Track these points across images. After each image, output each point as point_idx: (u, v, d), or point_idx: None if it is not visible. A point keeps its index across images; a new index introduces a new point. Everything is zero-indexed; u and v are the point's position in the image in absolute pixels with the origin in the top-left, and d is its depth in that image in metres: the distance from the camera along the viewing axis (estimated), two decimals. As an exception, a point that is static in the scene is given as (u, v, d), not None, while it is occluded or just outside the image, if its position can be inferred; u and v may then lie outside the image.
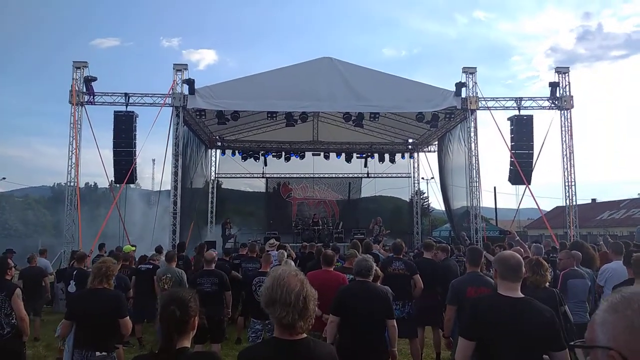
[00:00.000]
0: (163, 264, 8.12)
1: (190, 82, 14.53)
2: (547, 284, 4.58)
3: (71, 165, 14.56)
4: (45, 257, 11.65)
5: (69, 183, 14.71)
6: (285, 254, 8.88)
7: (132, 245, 12.77)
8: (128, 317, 4.58)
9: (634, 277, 4.78)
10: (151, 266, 8.79)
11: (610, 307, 1.14)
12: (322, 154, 21.59)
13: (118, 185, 15.30)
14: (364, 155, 22.03)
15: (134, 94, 15.03)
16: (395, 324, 4.57)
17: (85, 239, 14.02)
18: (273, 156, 21.54)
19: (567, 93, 15.72)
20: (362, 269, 4.66)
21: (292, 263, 7.26)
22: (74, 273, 8.11)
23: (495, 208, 36.17)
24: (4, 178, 42.57)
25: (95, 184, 58.93)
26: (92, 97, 14.79)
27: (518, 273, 2.98)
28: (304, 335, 2.17)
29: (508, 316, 2.77)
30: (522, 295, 2.94)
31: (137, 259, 10.13)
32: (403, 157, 22.47)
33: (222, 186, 23.42)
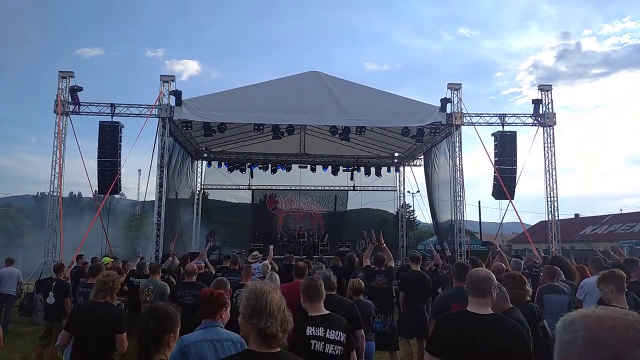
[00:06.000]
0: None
1: (177, 94, 14.52)
2: (528, 298, 4.63)
3: (54, 175, 14.41)
4: (10, 265, 11.32)
5: (52, 192, 14.54)
6: (269, 266, 8.85)
7: (110, 257, 12.62)
8: (125, 334, 4.54)
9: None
10: (144, 280, 8.57)
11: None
12: (308, 166, 21.67)
13: (102, 195, 15.13)
14: (350, 169, 22.14)
15: (120, 104, 14.96)
16: (364, 334, 4.61)
17: (67, 249, 13.83)
18: (259, 168, 21.57)
19: (550, 110, 16.00)
20: (326, 282, 4.71)
21: (277, 277, 7.24)
22: (53, 284, 8.00)
23: (480, 222, 36.45)
24: (-15, 187, 41.85)
25: (80, 193, 58.25)
26: (77, 107, 14.71)
27: (484, 287, 2.97)
28: (279, 348, 2.19)
29: (475, 333, 2.76)
30: (491, 312, 2.95)
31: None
32: (389, 170, 22.63)
33: (208, 197, 23.33)
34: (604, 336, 1.10)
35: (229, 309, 3.48)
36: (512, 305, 3.86)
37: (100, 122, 14.77)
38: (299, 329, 3.32)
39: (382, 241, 8.02)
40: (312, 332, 3.38)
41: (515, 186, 15.86)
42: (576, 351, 1.12)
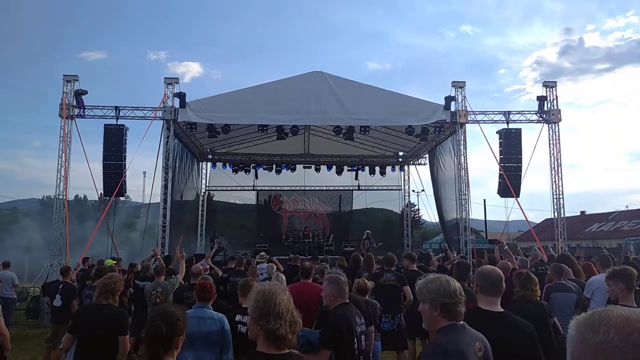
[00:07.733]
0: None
1: (181, 96, 14.56)
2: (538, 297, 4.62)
3: (60, 178, 14.45)
4: (7, 268, 11.33)
5: (58, 196, 14.58)
6: (275, 267, 8.85)
7: (114, 259, 12.62)
8: (128, 337, 4.54)
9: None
10: (149, 283, 8.57)
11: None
12: (313, 166, 21.67)
13: (107, 198, 15.17)
14: (355, 168, 22.11)
15: (125, 107, 15.00)
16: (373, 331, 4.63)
17: (74, 252, 13.87)
18: (264, 169, 21.56)
19: (555, 107, 15.92)
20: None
21: (283, 277, 7.21)
22: (60, 287, 8.01)
23: (485, 220, 36.30)
24: (-8, 191, 42.15)
25: (85, 196, 58.58)
26: (82, 110, 14.74)
27: (499, 287, 2.98)
28: (287, 350, 2.17)
29: (490, 330, 2.76)
30: (502, 310, 2.96)
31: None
32: (393, 169, 22.56)
33: (213, 199, 23.33)
34: (638, 337, 1.09)
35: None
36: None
37: (105, 125, 14.81)
38: (229, 316, 4.59)
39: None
40: (239, 319, 4.59)
41: (520, 184, 15.79)
42: (611, 352, 1.10)
